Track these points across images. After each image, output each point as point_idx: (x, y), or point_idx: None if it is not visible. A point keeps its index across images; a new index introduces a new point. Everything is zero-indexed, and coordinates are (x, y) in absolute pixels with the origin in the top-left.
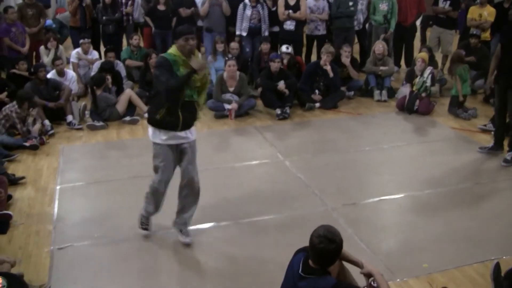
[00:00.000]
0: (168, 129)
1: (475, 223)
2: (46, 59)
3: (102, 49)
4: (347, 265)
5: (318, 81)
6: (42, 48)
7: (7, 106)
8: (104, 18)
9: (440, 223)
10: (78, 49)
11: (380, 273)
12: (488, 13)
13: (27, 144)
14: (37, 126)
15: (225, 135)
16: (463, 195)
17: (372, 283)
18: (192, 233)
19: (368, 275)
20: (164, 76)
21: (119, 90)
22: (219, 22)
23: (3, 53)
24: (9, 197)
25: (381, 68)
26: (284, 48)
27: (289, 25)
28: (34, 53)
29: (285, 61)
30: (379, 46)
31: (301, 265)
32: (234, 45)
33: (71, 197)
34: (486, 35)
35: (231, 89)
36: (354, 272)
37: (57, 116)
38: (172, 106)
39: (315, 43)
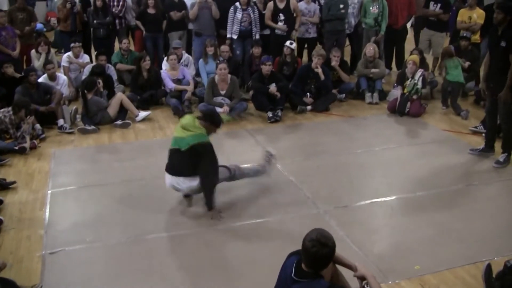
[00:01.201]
0: None
1: (466, 225)
2: (37, 63)
3: (93, 52)
4: (340, 268)
5: (309, 83)
6: (33, 52)
7: (1, 110)
8: (95, 21)
9: (431, 225)
10: (69, 53)
11: (374, 276)
12: (478, 15)
13: (16, 147)
14: (26, 126)
15: (216, 138)
16: (455, 197)
17: (365, 286)
18: (184, 236)
19: (361, 278)
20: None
21: (111, 94)
22: (208, 26)
23: None
24: (0, 201)
25: (372, 70)
26: (288, 43)
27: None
28: (25, 57)
29: (287, 54)
30: (370, 49)
31: (294, 268)
32: (224, 48)
33: (63, 201)
34: (476, 37)
35: (223, 92)
36: (347, 275)
37: (48, 120)
38: None
39: (305, 46)
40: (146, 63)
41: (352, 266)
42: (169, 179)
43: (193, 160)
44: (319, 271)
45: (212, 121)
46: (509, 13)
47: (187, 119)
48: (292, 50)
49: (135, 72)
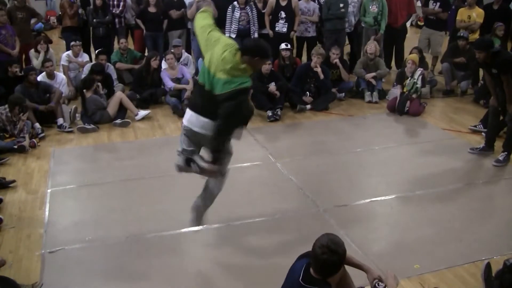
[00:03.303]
0: None
1: (466, 224)
2: (36, 62)
3: (93, 51)
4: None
5: (309, 83)
6: (31, 51)
7: None
8: (94, 20)
9: (431, 223)
10: (69, 52)
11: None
12: (477, 14)
13: (15, 146)
14: (21, 123)
15: None
16: (454, 196)
17: (376, 285)
18: (183, 236)
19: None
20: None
21: (110, 93)
22: None
23: None
24: (0, 200)
25: (370, 75)
26: (283, 45)
27: (282, 28)
28: (24, 56)
29: (286, 57)
30: (371, 46)
31: (302, 272)
32: None
33: (62, 200)
34: (475, 36)
35: None
36: (352, 272)
37: (48, 119)
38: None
39: (305, 45)
40: (156, 62)
41: (363, 266)
42: (190, 115)
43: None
44: (327, 278)
45: (261, 55)
46: (487, 49)
47: (227, 54)
48: (289, 51)
49: (142, 70)
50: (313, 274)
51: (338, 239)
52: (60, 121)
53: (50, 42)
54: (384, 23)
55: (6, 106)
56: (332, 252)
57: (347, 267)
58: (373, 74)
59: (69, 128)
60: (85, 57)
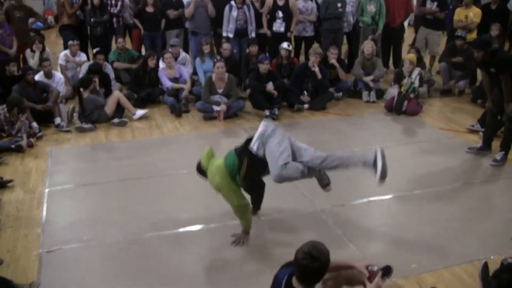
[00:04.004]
0: None
1: (463, 223)
2: (32, 61)
3: (90, 51)
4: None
5: (306, 82)
6: (28, 51)
7: None
8: (92, 20)
9: (428, 223)
10: (66, 51)
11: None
12: (474, 14)
13: (13, 146)
14: (19, 123)
15: (213, 137)
16: (452, 195)
17: (369, 268)
18: (181, 235)
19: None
20: None
21: (108, 92)
22: (205, 24)
23: None
24: None
25: (368, 78)
26: (285, 44)
27: (279, 27)
28: (21, 56)
29: (284, 56)
30: (368, 46)
31: (283, 283)
32: (226, 46)
33: (60, 200)
34: (473, 36)
35: (220, 90)
36: None
37: (45, 118)
38: None
39: (303, 45)
40: (153, 61)
41: (350, 263)
42: None
43: None
44: (310, 287)
45: None
46: (486, 48)
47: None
48: (289, 52)
49: (139, 69)
50: (295, 285)
51: (321, 247)
52: (57, 120)
53: (43, 39)
54: (382, 23)
55: (4, 106)
56: (313, 258)
57: None
58: (371, 77)
59: (66, 127)
60: (83, 56)
